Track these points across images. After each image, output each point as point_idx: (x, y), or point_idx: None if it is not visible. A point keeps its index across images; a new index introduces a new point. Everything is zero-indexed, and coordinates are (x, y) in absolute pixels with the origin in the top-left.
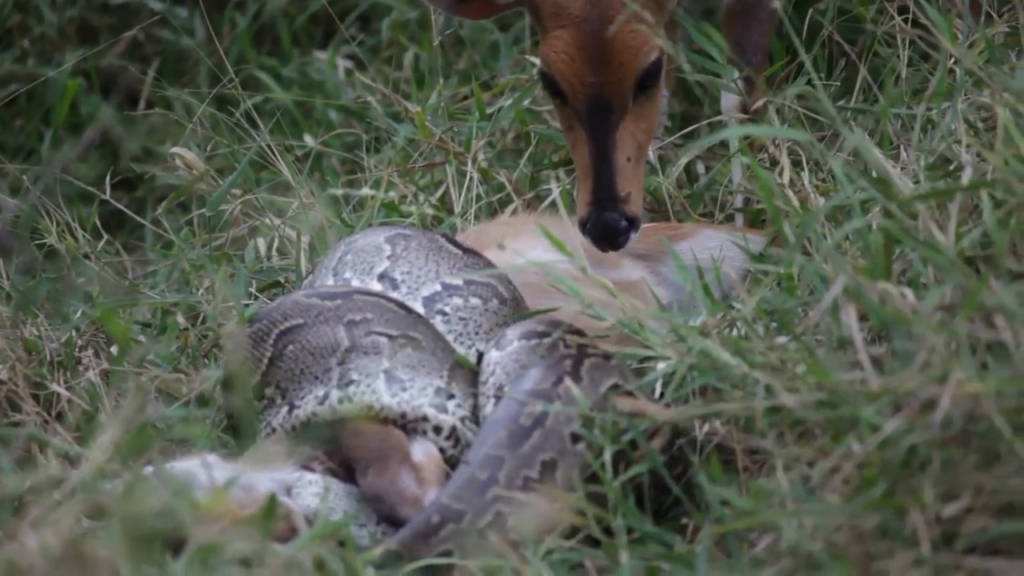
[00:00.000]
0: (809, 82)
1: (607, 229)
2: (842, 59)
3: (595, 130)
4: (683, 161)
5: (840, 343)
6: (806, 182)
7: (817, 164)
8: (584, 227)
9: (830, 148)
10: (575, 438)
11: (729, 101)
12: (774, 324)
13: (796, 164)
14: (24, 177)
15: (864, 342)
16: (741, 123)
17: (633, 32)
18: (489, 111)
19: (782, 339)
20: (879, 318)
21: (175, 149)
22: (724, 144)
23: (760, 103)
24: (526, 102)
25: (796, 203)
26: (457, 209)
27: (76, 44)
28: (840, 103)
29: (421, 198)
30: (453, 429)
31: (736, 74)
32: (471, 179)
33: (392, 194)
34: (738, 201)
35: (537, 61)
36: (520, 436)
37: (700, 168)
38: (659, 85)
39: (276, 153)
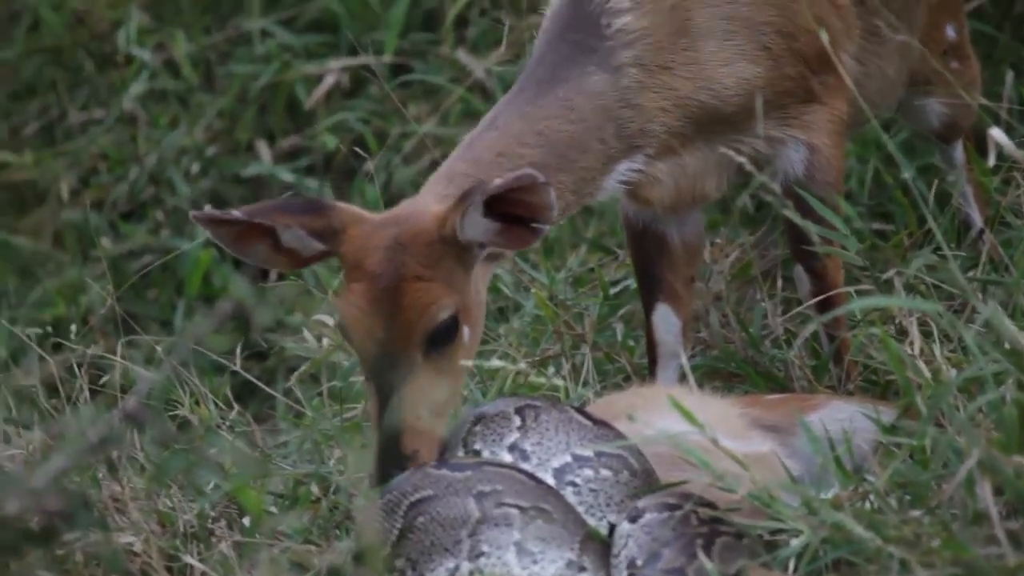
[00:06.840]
0: (936, 251)
1: None
2: (968, 228)
3: (381, 386)
4: (808, 331)
5: (975, 517)
6: (937, 354)
7: (946, 335)
8: (371, 481)
9: (960, 318)
10: None
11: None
12: (907, 497)
13: (926, 335)
14: (158, 348)
15: (1000, 516)
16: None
17: (421, 290)
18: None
19: (916, 513)
20: (1015, 492)
21: (317, 316)
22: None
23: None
24: None
25: (927, 375)
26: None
27: None
28: (968, 273)
29: (551, 370)
30: None
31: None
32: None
33: (522, 365)
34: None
35: None
36: None
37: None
38: (458, 343)
39: None
